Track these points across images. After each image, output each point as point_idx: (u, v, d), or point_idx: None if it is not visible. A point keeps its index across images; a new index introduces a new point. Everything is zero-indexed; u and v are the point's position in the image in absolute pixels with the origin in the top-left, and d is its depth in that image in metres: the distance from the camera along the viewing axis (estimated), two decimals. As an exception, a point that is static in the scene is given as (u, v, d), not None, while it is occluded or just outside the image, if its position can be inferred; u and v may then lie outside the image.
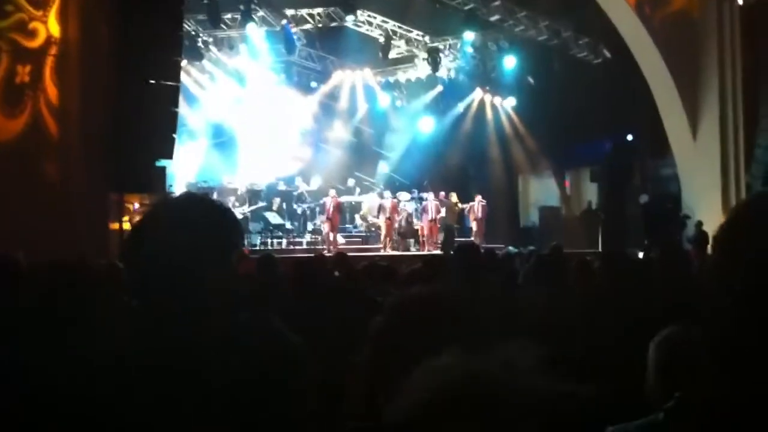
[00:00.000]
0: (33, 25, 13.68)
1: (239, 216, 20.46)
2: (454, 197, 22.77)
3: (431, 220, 21.79)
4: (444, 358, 1.01)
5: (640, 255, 12.73)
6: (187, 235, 1.72)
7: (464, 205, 23.00)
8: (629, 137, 26.26)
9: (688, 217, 21.69)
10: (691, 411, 1.36)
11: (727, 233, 1.27)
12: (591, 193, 27.85)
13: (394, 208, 21.62)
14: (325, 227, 20.55)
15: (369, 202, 23.18)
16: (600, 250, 20.30)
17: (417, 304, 1.65)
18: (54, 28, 13.82)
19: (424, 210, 21.96)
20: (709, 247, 17.33)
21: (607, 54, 24.17)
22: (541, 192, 29.99)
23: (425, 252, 20.05)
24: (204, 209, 1.82)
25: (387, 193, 22.48)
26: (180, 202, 1.86)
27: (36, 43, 13.75)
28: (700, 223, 20.09)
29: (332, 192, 20.98)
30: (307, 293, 5.05)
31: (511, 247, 12.74)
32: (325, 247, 19.49)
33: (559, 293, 3.88)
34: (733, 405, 1.22)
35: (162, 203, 1.84)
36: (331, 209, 20.37)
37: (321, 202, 21.08)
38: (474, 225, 22.82)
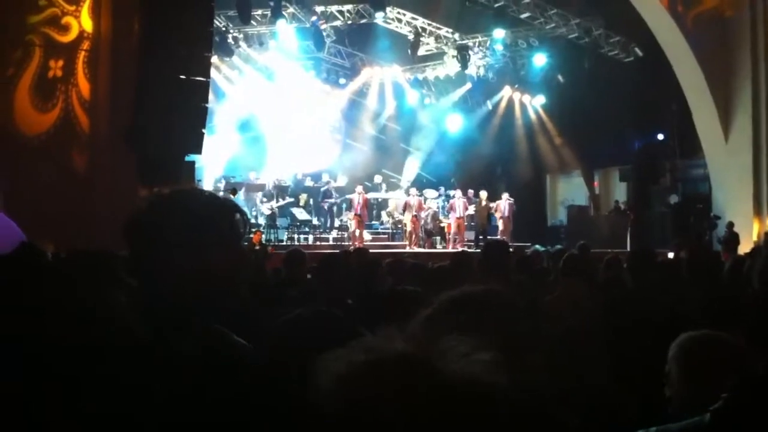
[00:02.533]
0: (66, 19, 13.82)
1: (267, 211, 20.61)
2: (483, 196, 22.70)
3: (458, 218, 21.75)
4: (376, 338, 1.02)
5: (670, 255, 12.63)
6: (184, 225, 1.77)
7: (492, 204, 22.90)
8: (660, 137, 26.03)
9: (719, 217, 21.46)
10: (740, 413, 1.34)
11: None
12: (620, 192, 27.64)
13: (420, 206, 21.62)
14: (353, 224, 20.58)
15: (396, 199, 23.16)
16: (628, 249, 20.13)
17: (470, 302, 1.64)
18: (86, 23, 13.96)
19: (451, 208, 21.92)
20: (739, 248, 17.15)
21: (639, 52, 23.94)
22: (569, 191, 29.82)
23: (451, 249, 19.99)
24: (203, 201, 1.86)
25: (413, 190, 22.45)
26: (180, 193, 1.91)
27: (68, 37, 13.89)
28: (731, 224, 19.87)
29: (359, 188, 21.00)
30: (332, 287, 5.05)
31: (538, 246, 12.68)
32: (351, 243, 19.50)
33: (590, 292, 3.85)
34: None
35: (163, 194, 1.90)
36: (359, 206, 20.40)
37: (348, 197, 21.09)
38: (500, 223, 22.70)
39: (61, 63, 13.85)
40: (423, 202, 22.33)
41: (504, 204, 22.67)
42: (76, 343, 1.69)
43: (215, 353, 1.72)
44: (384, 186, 24.94)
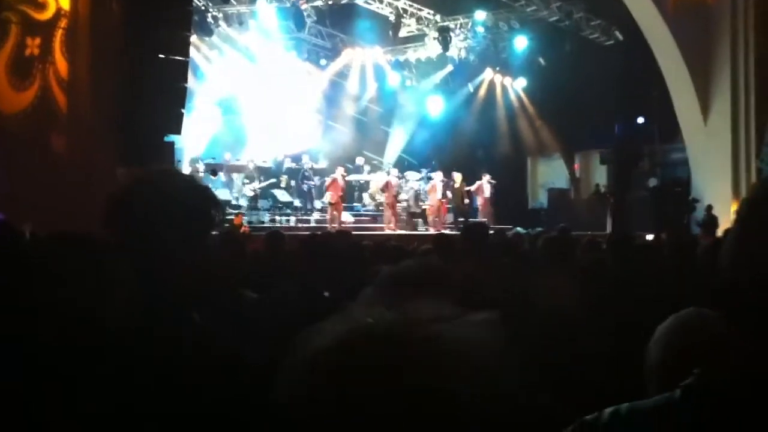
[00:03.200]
0: (43, -3, 13.64)
1: (250, 193, 20.52)
2: (458, 178, 22.68)
3: (439, 200, 21.76)
4: (353, 312, 1.02)
5: (649, 238, 12.71)
6: (163, 209, 1.76)
7: (471, 187, 22.90)
8: (640, 120, 26.14)
9: (697, 201, 21.61)
10: (712, 387, 1.33)
11: (751, 208, 1.25)
12: (600, 175, 27.76)
13: (400, 187, 21.60)
14: (333, 205, 20.51)
15: (377, 180, 23.14)
16: (608, 232, 20.24)
17: (408, 275, 1.64)
18: (64, 1, 13.78)
19: (432, 189, 21.93)
20: (718, 230, 17.28)
21: (620, 36, 24.01)
22: (549, 174, 29.93)
23: (432, 231, 20.01)
24: (181, 186, 1.85)
25: (394, 171, 22.44)
26: (159, 177, 1.90)
27: (46, 15, 13.70)
28: (709, 207, 20.02)
29: (341, 170, 20.95)
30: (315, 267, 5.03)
31: (519, 228, 12.72)
32: (330, 225, 19.46)
33: (569, 275, 3.86)
34: (759, 379, 1.20)
35: (143, 178, 1.88)
36: (341, 187, 20.36)
37: (329, 179, 20.99)
38: (481, 205, 22.78)
39: (38, 41, 13.67)
40: (404, 183, 22.32)
41: (485, 185, 22.72)
42: (66, 340, 1.67)
43: (215, 352, 1.71)
44: (367, 168, 24.89)
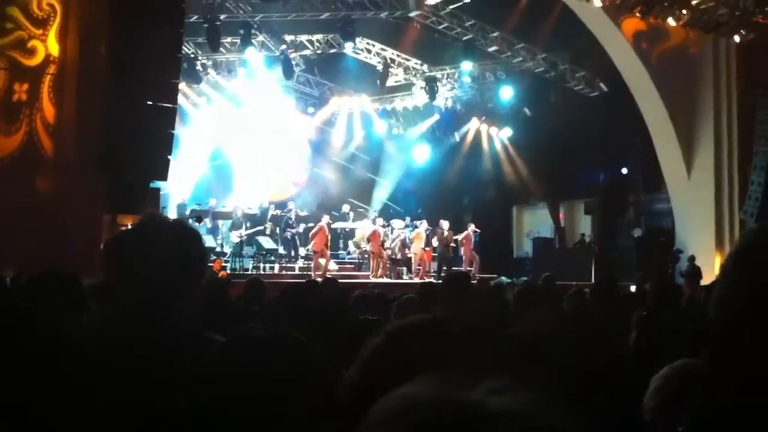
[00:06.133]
0: (32, 43, 13.71)
1: (236, 239, 20.44)
2: (444, 226, 22.69)
3: (424, 248, 21.72)
4: (417, 386, 0.96)
5: (633, 288, 12.75)
6: (157, 256, 1.81)
7: (457, 236, 22.88)
8: (624, 171, 26.35)
9: (681, 251, 21.72)
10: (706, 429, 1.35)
11: (736, 262, 1.28)
12: (585, 225, 27.86)
13: (386, 235, 21.56)
14: (317, 253, 20.38)
15: (362, 228, 23.11)
16: (592, 282, 20.27)
17: (416, 330, 1.64)
18: (53, 47, 13.85)
19: (417, 238, 21.89)
20: (701, 281, 17.34)
21: (604, 87, 24.32)
22: (534, 223, 29.99)
23: (417, 280, 19.95)
24: (173, 234, 1.91)
25: (380, 220, 22.44)
26: (152, 225, 1.95)
27: (35, 61, 13.77)
28: (692, 258, 20.09)
29: (326, 218, 20.88)
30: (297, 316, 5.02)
31: (503, 277, 12.73)
32: (314, 273, 19.36)
33: (551, 323, 3.86)
34: (747, 416, 1.23)
35: (139, 225, 1.96)
36: (328, 235, 20.27)
37: (315, 227, 20.90)
38: (464, 254, 22.74)
39: (26, 86, 13.71)
40: (390, 231, 22.29)
41: (471, 234, 22.71)
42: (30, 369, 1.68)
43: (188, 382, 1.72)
44: (352, 215, 24.90)
